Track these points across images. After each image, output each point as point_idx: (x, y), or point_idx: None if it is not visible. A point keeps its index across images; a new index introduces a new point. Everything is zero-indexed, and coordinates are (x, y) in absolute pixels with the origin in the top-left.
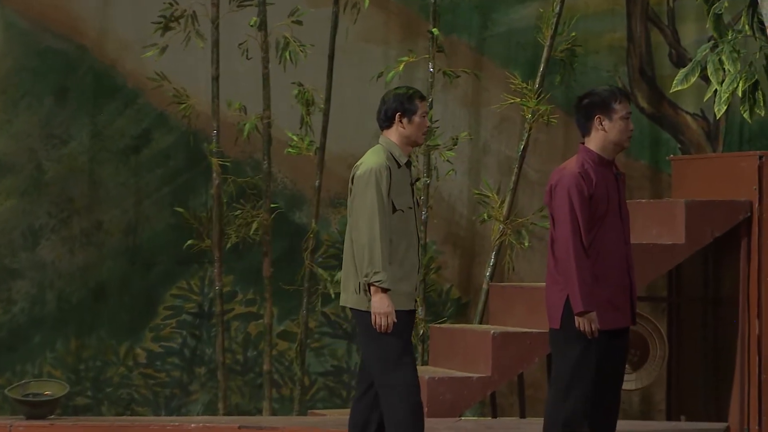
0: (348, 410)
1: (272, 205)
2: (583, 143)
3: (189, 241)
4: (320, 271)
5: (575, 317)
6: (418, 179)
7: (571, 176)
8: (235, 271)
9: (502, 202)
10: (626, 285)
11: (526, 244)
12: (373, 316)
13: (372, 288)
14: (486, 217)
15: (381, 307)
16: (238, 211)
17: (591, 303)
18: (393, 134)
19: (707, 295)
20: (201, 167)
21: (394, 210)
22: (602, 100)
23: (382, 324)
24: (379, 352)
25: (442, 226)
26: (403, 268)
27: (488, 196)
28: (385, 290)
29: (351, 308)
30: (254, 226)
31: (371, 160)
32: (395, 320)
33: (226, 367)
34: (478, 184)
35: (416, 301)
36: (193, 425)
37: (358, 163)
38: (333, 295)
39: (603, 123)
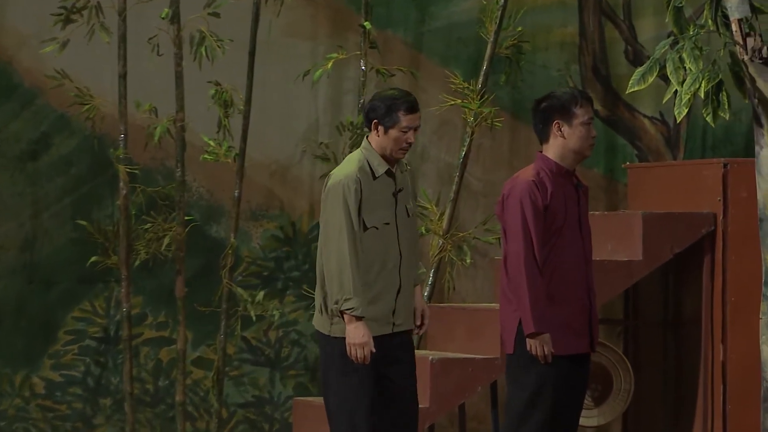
0: None
1: (186, 218)
2: (541, 151)
3: (93, 258)
4: (240, 290)
5: (527, 339)
6: (401, 190)
7: (524, 185)
8: (145, 291)
9: (442, 214)
10: (585, 307)
11: (468, 260)
12: (348, 348)
13: (345, 317)
14: (424, 231)
15: (355, 337)
16: (148, 225)
17: (543, 324)
18: (373, 140)
19: (667, 317)
20: (106, 175)
21: (365, 228)
22: (561, 104)
23: (358, 355)
24: (339, 383)
25: None
26: (373, 290)
27: (426, 208)
28: (359, 318)
29: (316, 330)
30: (166, 240)
31: (340, 171)
32: (373, 349)
33: (134, 397)
34: (416, 195)
35: (395, 324)
36: None
37: (331, 172)
38: (254, 318)
39: (562, 129)
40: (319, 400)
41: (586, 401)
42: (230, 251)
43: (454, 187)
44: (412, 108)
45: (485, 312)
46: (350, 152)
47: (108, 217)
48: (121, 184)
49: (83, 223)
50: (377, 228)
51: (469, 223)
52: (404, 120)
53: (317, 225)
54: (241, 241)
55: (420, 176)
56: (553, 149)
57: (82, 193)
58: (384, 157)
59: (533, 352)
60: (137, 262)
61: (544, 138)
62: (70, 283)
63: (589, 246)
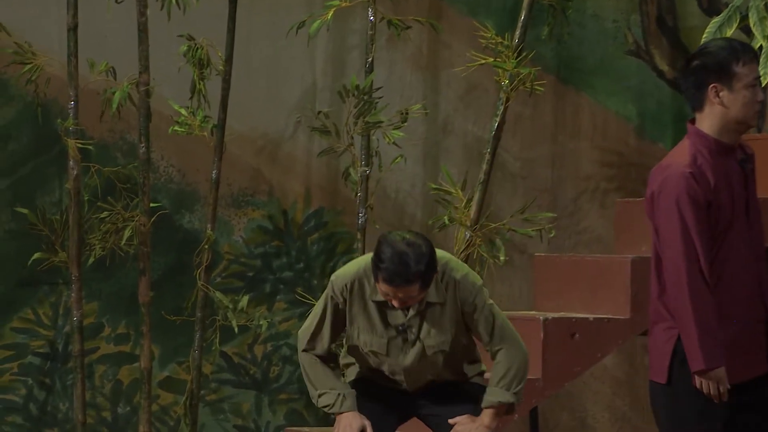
0: None
1: (152, 205)
2: (693, 121)
3: (36, 255)
4: (218, 295)
5: (694, 375)
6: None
7: (678, 179)
8: (101, 295)
9: (469, 200)
10: (760, 317)
11: (502, 258)
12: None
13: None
14: (447, 221)
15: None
16: (105, 213)
17: (716, 357)
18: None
19: None
20: (53, 152)
21: None
22: (718, 62)
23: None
24: None
25: None
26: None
27: (450, 193)
28: None
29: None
30: (127, 233)
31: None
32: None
33: (87, 428)
34: (437, 176)
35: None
36: None
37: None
38: (236, 329)
39: (720, 94)
40: (317, 430)
41: None
42: (207, 246)
43: (484, 167)
44: (390, 280)
45: (524, 322)
46: (355, 124)
47: (55, 204)
48: (71, 162)
49: (23, 211)
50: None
51: (503, 211)
52: (382, 286)
53: (314, 213)
54: (221, 234)
55: (442, 153)
56: (709, 120)
57: (22, 175)
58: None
59: (704, 391)
60: (91, 260)
61: (697, 106)
62: (8, 287)
63: (758, 235)
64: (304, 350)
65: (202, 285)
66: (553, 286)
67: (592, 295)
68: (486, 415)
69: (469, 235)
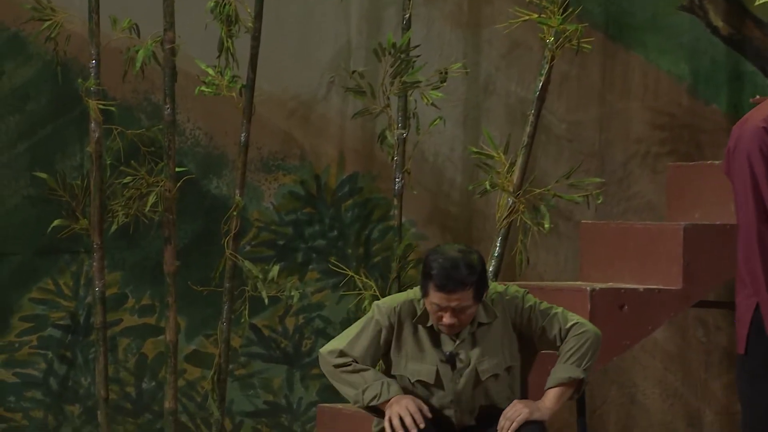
0: None
1: (178, 170)
2: None
3: (56, 222)
4: (247, 264)
5: None
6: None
7: (752, 134)
8: (124, 265)
9: (512, 165)
10: None
11: (547, 225)
12: None
13: None
14: (488, 187)
15: None
16: (128, 178)
17: None
18: None
19: None
20: (73, 114)
21: None
22: None
23: None
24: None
25: (425, 200)
26: None
27: (491, 157)
28: None
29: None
30: (151, 199)
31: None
32: None
33: (110, 404)
34: (478, 139)
35: None
36: None
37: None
38: (266, 300)
39: None
40: (351, 407)
41: None
42: (235, 213)
43: (528, 130)
44: (443, 285)
45: (570, 293)
46: (391, 84)
47: (75, 169)
48: (93, 124)
49: (42, 175)
50: None
51: (548, 176)
52: (434, 296)
53: (348, 179)
54: (250, 200)
55: (483, 115)
56: None
57: (41, 138)
58: None
59: None
60: (114, 228)
61: None
62: (26, 255)
63: None
64: (334, 365)
65: (230, 254)
66: (601, 255)
67: (642, 264)
68: (550, 396)
69: (511, 201)
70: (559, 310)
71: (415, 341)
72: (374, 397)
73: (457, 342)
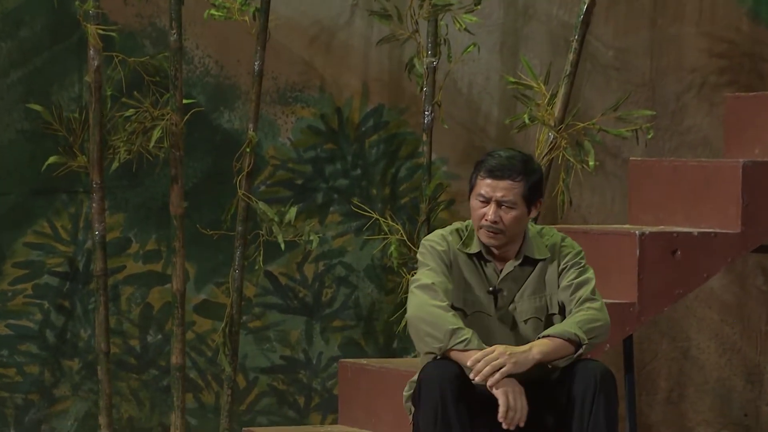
0: (310, 426)
1: (186, 101)
2: None
3: (51, 158)
4: (262, 206)
5: None
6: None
7: None
8: (127, 206)
9: (553, 96)
10: None
11: (592, 163)
12: None
13: None
14: (527, 121)
15: None
16: (131, 111)
17: None
18: None
19: None
20: (71, 40)
21: None
22: None
23: None
24: None
25: (458, 135)
26: None
27: (531, 87)
28: None
29: None
30: (156, 134)
31: None
32: None
33: (112, 359)
34: (515, 68)
35: None
36: None
37: None
38: (283, 246)
39: None
40: (376, 362)
41: None
42: (248, 149)
43: (571, 57)
44: (493, 169)
45: (617, 237)
46: (420, 7)
47: (73, 100)
48: (92, 52)
49: (37, 108)
50: None
51: (593, 109)
52: (480, 185)
53: (372, 112)
54: (264, 136)
55: (522, 42)
56: None
57: (35, 66)
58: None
59: None
60: (115, 165)
61: None
62: (20, 195)
63: None
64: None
65: (243, 194)
66: (651, 195)
67: (696, 205)
68: (541, 346)
69: (552, 136)
70: (596, 295)
71: (461, 270)
72: (463, 341)
73: (501, 276)
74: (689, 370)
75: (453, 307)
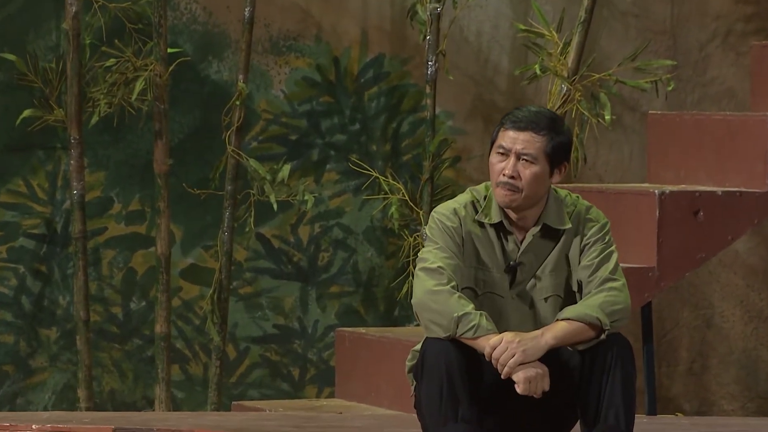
0: (305, 400)
1: (171, 51)
2: None
3: (26, 112)
4: (253, 163)
5: None
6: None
7: None
8: (108, 163)
9: (567, 45)
10: None
11: (608, 117)
12: None
13: None
14: (539, 71)
15: None
16: (112, 61)
17: None
18: None
19: None
20: None
21: None
22: None
23: None
24: None
25: (464, 87)
26: None
27: (543, 35)
28: None
29: None
30: (139, 85)
31: None
32: None
33: (92, 327)
34: (526, 14)
35: None
36: (35, 427)
37: None
38: (275, 206)
39: None
40: (375, 332)
41: None
42: (238, 102)
43: (585, 3)
44: (517, 121)
45: (635, 197)
46: None
47: (50, 50)
48: None
49: (11, 57)
50: None
51: (610, 59)
52: (501, 137)
53: (372, 62)
54: (256, 88)
55: None
56: None
57: (9, 13)
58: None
59: None
60: (94, 119)
61: None
62: None
63: None
64: (428, 290)
65: (232, 151)
66: (672, 152)
67: (720, 162)
68: (556, 331)
69: (566, 88)
70: (618, 274)
71: (474, 247)
72: (471, 328)
73: (522, 248)
74: (712, 339)
75: (463, 288)
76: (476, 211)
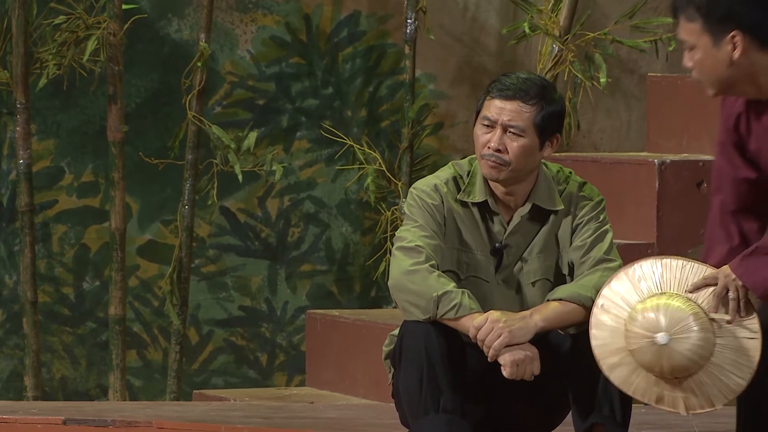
0: (273, 389)
1: (125, 7)
2: None
3: None
4: (216, 130)
5: None
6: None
7: None
8: (58, 130)
9: (559, 1)
10: None
11: (604, 80)
12: None
13: None
14: (528, 30)
15: None
16: (61, 18)
17: None
18: None
19: None
20: None
21: None
22: None
23: None
24: None
25: (447, 47)
26: None
27: None
28: None
29: None
30: (91, 45)
31: None
32: None
33: (40, 309)
34: None
35: None
36: None
37: None
38: (241, 177)
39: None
40: (350, 314)
41: None
42: (200, 64)
43: None
44: (502, 90)
45: (633, 166)
46: None
47: None
48: None
49: None
50: None
51: (605, 17)
52: (487, 107)
53: (347, 20)
54: (220, 48)
55: None
56: None
57: None
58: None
59: None
60: (42, 82)
61: None
62: None
63: None
64: (405, 271)
65: (193, 117)
66: (674, 118)
67: None
68: (547, 312)
69: (557, 48)
70: (613, 254)
71: (456, 227)
72: (453, 308)
73: (509, 229)
74: None
75: (445, 271)
76: (459, 189)
